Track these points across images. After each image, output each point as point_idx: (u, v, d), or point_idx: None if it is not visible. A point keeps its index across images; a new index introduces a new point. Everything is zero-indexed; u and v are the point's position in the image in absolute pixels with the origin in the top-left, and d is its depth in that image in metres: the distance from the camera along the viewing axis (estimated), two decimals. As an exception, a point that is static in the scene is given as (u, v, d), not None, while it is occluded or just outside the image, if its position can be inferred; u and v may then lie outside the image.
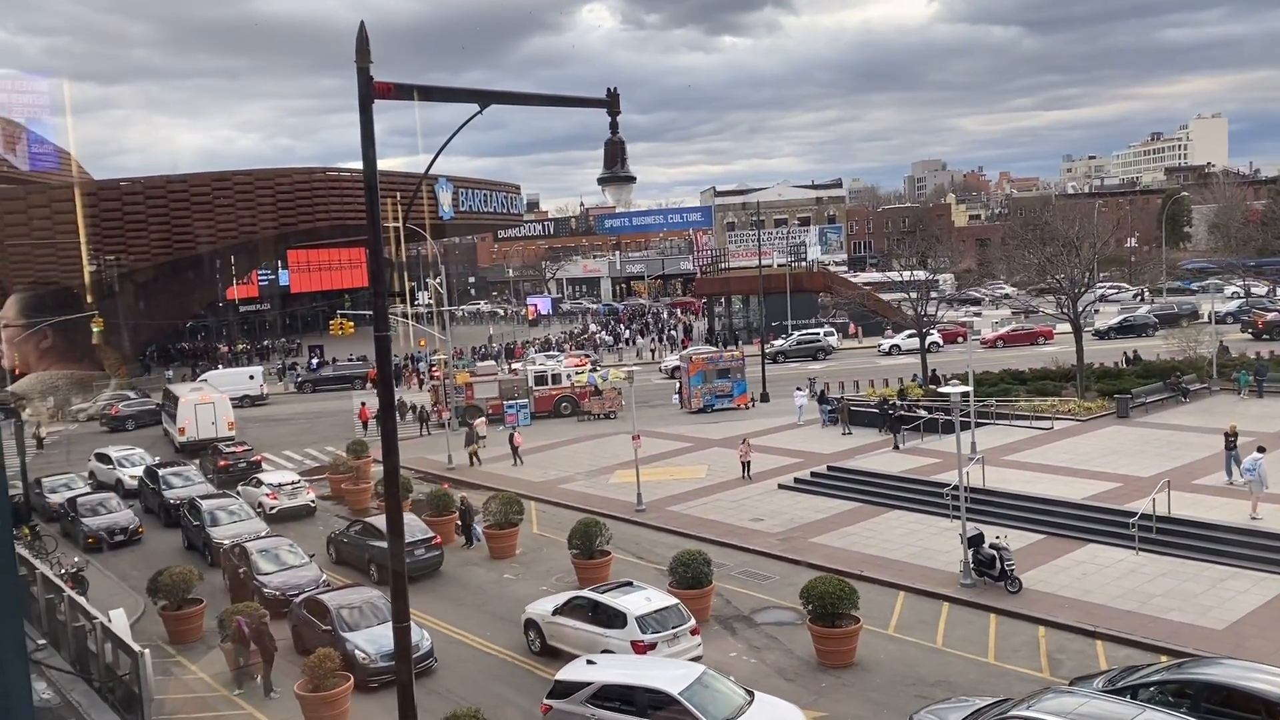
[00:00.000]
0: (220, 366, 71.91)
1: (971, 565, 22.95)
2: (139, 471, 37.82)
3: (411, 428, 47.46)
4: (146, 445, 44.69)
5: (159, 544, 31.74)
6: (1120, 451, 32.30)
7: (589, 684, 16.47)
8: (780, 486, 32.80)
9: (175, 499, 33.45)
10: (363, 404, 50.65)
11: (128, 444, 43.27)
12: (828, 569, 23.62)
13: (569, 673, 17.08)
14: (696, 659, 18.87)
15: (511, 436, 40.67)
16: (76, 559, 28.08)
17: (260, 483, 34.69)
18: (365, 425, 48.61)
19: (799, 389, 44.55)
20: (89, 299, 61.40)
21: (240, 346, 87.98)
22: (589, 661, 17.36)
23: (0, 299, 62.25)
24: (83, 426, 56.26)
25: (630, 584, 20.89)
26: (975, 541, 23.14)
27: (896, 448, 35.52)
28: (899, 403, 39.70)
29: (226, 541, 27.71)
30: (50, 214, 62.39)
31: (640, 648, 18.68)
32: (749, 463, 34.16)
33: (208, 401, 46.42)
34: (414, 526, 26.65)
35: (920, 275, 51.04)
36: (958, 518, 24.13)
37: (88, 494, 34.49)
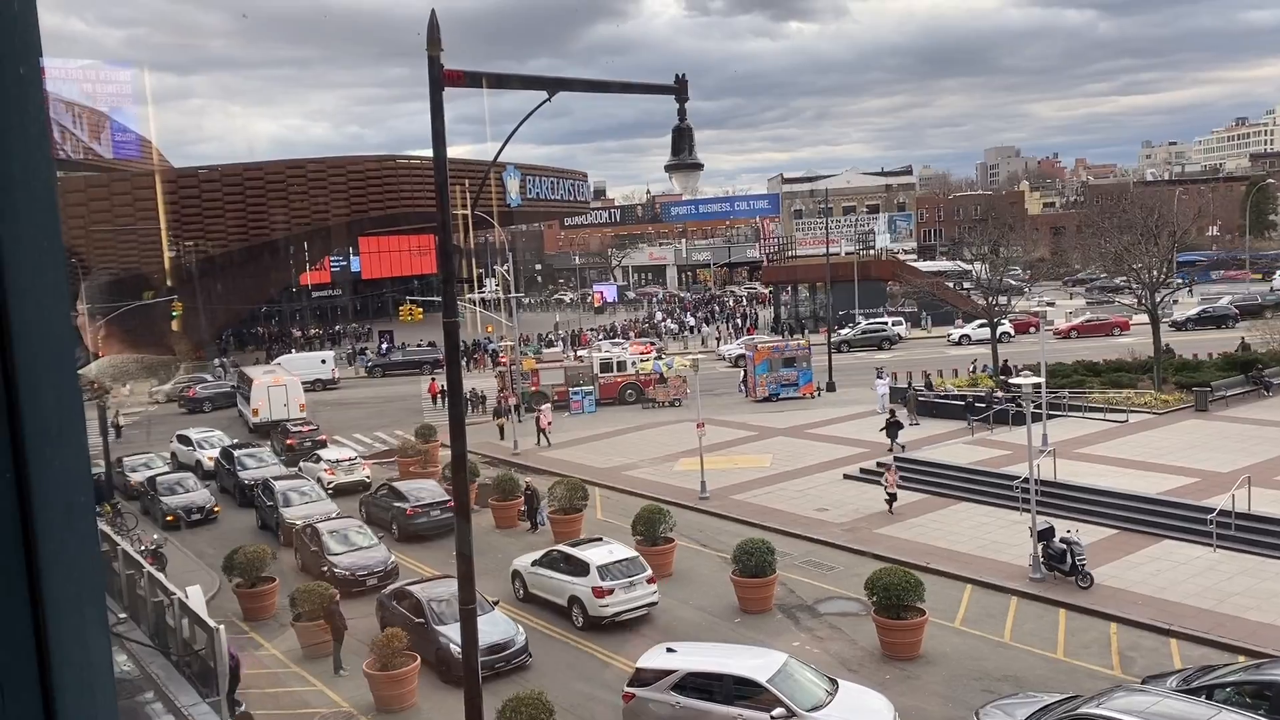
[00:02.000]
0: (293, 351, 73.47)
1: (1041, 559, 22.55)
2: (217, 454, 38.89)
3: (483, 419, 47.42)
4: (222, 426, 45.87)
5: (234, 523, 32.59)
6: (1198, 445, 31.42)
7: (672, 671, 16.49)
8: (845, 477, 32.55)
9: (250, 479, 34.31)
10: (432, 379, 51.85)
11: (206, 426, 44.49)
12: (893, 560, 23.40)
13: (650, 660, 17.11)
14: (651, 604, 21.97)
15: (538, 418, 41.22)
16: (155, 536, 28.96)
17: (320, 459, 36.49)
18: (435, 399, 50.11)
19: (880, 377, 43.59)
20: (168, 283, 63.13)
21: (313, 331, 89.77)
22: (669, 649, 17.40)
23: (84, 283, 64.33)
24: (162, 408, 57.94)
25: (600, 539, 23.71)
26: (1045, 535, 22.72)
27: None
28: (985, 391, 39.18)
29: (298, 522, 28.39)
30: (132, 201, 64.20)
31: (600, 592, 21.46)
32: (895, 495, 28.66)
33: (280, 384, 47.65)
34: (429, 489, 30.26)
35: (972, 267, 49.95)
36: (1028, 511, 23.71)
37: (166, 473, 35.60)
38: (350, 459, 36.48)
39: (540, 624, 22.17)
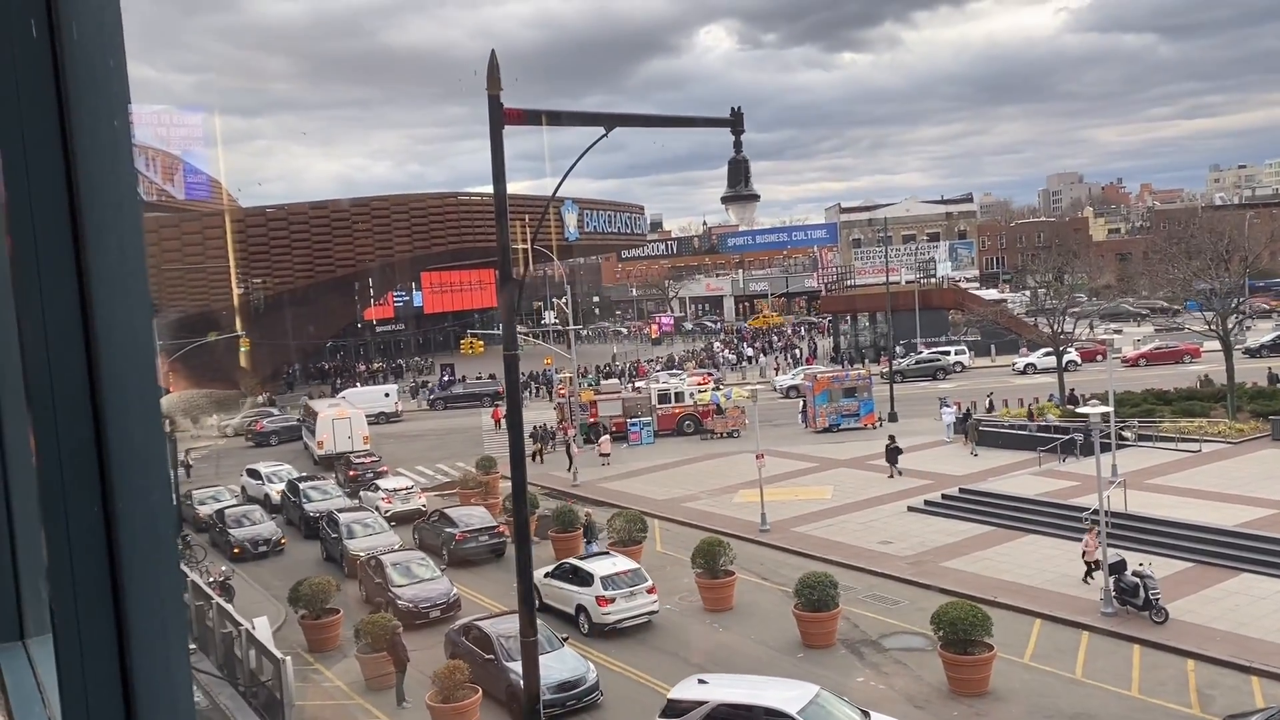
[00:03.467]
0: (358, 384, 74.62)
1: (1113, 593, 21.95)
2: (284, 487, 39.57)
3: (551, 453, 47.41)
4: (289, 459, 46.67)
5: (300, 555, 33.05)
6: (1276, 476, 30.43)
7: (703, 703, 16.43)
8: (910, 509, 32.09)
9: (315, 512, 34.82)
10: (496, 405, 52.47)
11: (275, 460, 45.30)
12: (959, 594, 22.96)
13: (681, 691, 17.04)
14: (651, 613, 23.60)
15: (569, 446, 42.45)
16: (224, 568, 29.48)
17: (378, 488, 37.45)
18: (498, 424, 50.77)
19: (946, 406, 43.26)
20: (237, 320, 64.66)
21: (376, 365, 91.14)
22: (700, 680, 17.32)
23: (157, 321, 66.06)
24: (229, 442, 59.14)
25: (607, 553, 25.82)
26: (1117, 568, 22.13)
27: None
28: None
29: (362, 554, 28.72)
30: (202, 240, 66.03)
31: (603, 601, 23.10)
32: (1096, 563, 23.44)
33: (344, 417, 48.39)
34: (479, 515, 31.43)
35: (1028, 294, 49.27)
36: (1099, 544, 23.12)
37: (234, 506, 36.29)
38: (407, 488, 37.35)
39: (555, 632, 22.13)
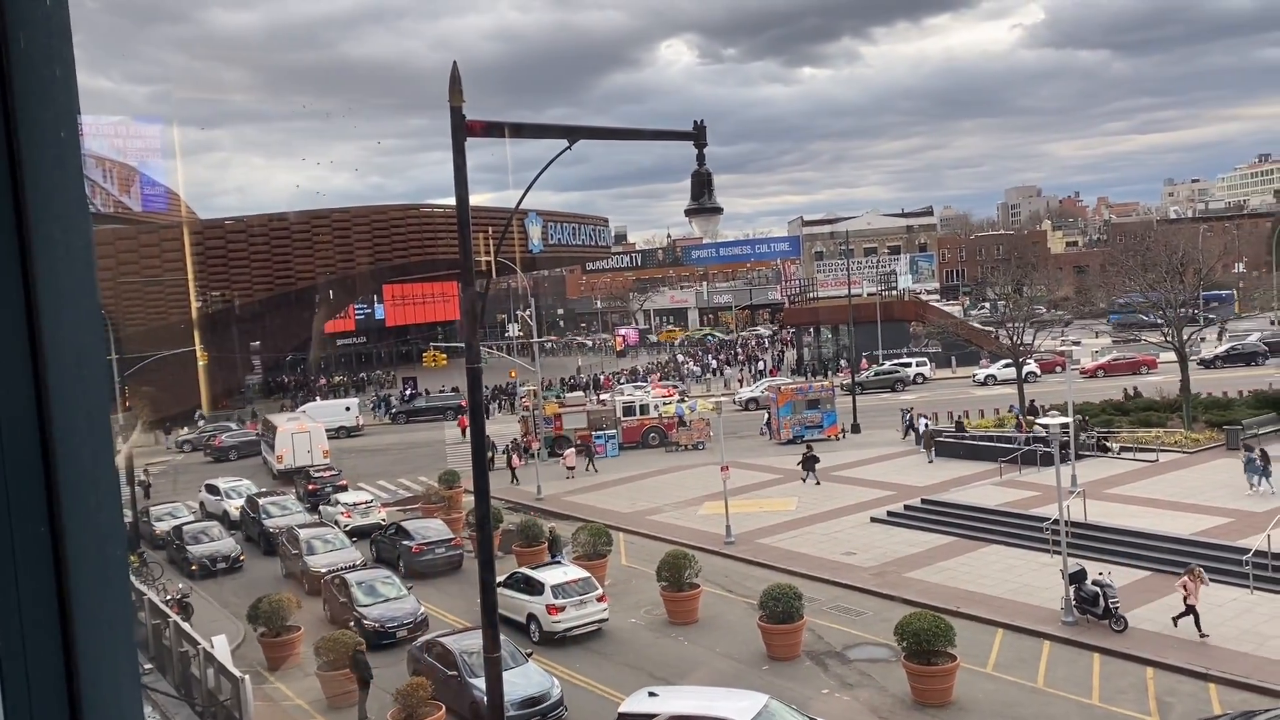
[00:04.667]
0: (318, 399, 73.89)
1: (1073, 602, 22.19)
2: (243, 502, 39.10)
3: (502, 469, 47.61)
4: (248, 474, 46.10)
5: (259, 572, 32.64)
6: (1231, 485, 30.95)
7: (654, 716, 16.39)
8: (873, 520, 32.27)
9: (274, 527, 34.40)
10: (462, 415, 52.31)
11: (234, 475, 44.74)
12: (923, 605, 23.08)
13: (632, 705, 16.98)
14: (601, 621, 24.06)
15: (510, 458, 43.20)
16: (181, 585, 29.03)
17: (337, 502, 37.37)
18: (464, 432, 50.65)
19: (923, 417, 44.24)
20: (195, 334, 63.86)
21: (337, 379, 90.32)
22: (650, 694, 17.26)
23: (115, 335, 65.13)
24: (188, 457, 58.30)
25: (559, 562, 26.13)
26: (1077, 578, 22.38)
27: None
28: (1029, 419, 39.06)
29: (322, 569, 28.41)
30: (160, 253, 65.20)
31: (554, 610, 23.56)
32: (1194, 608, 20.95)
33: (304, 431, 47.95)
34: (435, 528, 31.62)
35: (988, 306, 49.91)
36: (1058, 553, 23.39)
37: (192, 522, 35.78)
38: (366, 502, 37.29)
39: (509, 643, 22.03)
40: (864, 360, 69.30)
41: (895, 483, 36.87)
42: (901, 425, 46.45)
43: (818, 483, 37.84)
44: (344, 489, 40.56)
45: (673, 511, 36.02)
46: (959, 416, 45.92)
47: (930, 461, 39.98)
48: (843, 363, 75.22)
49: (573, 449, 45.30)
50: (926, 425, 42.52)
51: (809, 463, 38.39)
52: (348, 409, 63.96)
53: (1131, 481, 32.74)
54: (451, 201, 8.69)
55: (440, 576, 30.23)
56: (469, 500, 36.07)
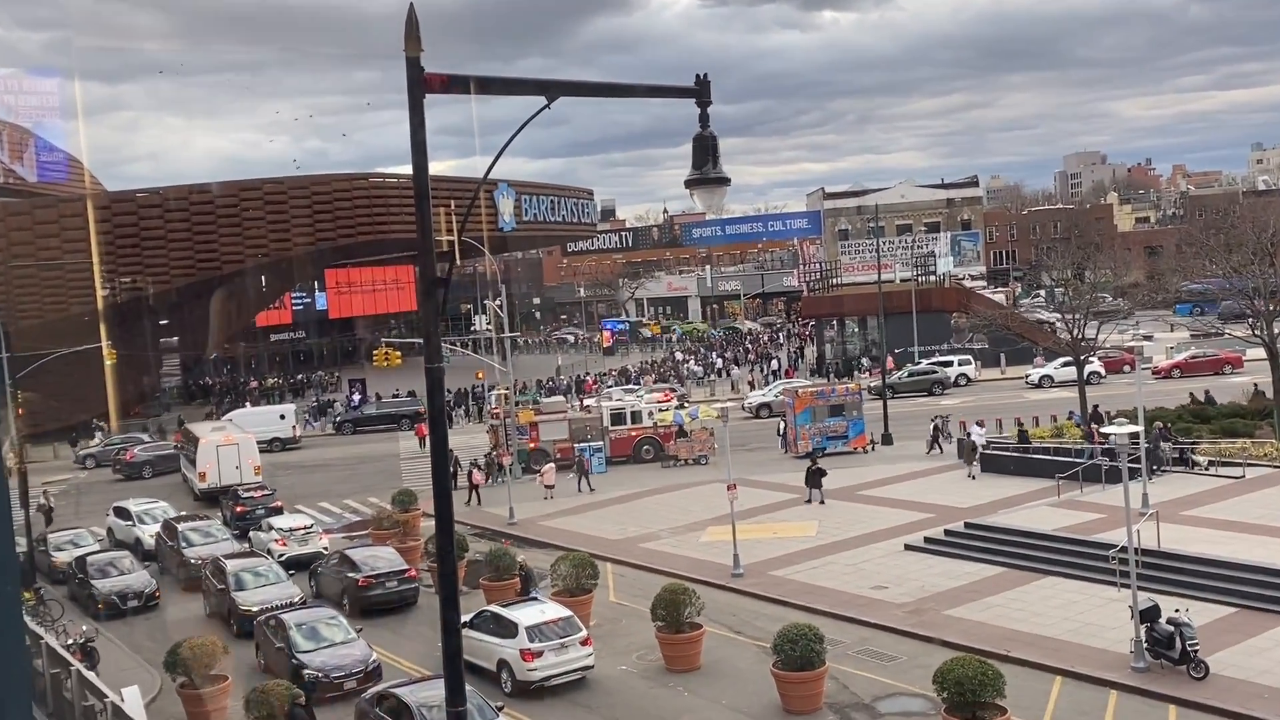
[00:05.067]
0: (248, 404, 73.82)
1: (1145, 644, 22.26)
2: (159, 528, 38.98)
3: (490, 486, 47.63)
4: (166, 494, 46.02)
5: (179, 611, 32.55)
6: (1331, 505, 31.09)
7: None
8: (907, 547, 32.34)
9: (196, 558, 34.33)
10: (420, 423, 52.28)
11: (148, 496, 44.63)
12: (966, 648, 23.14)
13: None
14: (586, 669, 24.00)
15: (471, 478, 43.81)
16: (85, 628, 28.91)
17: (270, 528, 37.17)
18: (423, 442, 50.66)
19: (978, 423, 44.34)
20: (101, 328, 63.66)
21: (271, 381, 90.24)
22: None
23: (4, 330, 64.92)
24: (93, 474, 58.17)
25: (535, 599, 26.23)
26: (1149, 615, 22.45)
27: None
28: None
29: (254, 608, 28.35)
30: (59, 231, 64.99)
31: (529, 655, 23.45)
32: None
33: (231, 443, 47.91)
34: (386, 557, 31.76)
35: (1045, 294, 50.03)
36: (1127, 586, 23.46)
37: (98, 552, 35.66)
38: (305, 527, 37.19)
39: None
40: (888, 359, 69.35)
41: (933, 503, 36.92)
42: (929, 437, 46.75)
43: (822, 501, 38.35)
44: (279, 512, 40.49)
45: (670, 538, 35.99)
46: (1021, 424, 45.96)
47: (972, 477, 40.23)
48: (864, 361, 75.46)
49: (551, 464, 45.34)
50: (975, 435, 42.56)
51: (814, 478, 38.78)
52: (282, 417, 63.95)
53: (1213, 501, 32.83)
54: (407, 170, 8.71)
55: (392, 614, 30.18)
56: (429, 525, 36.04)
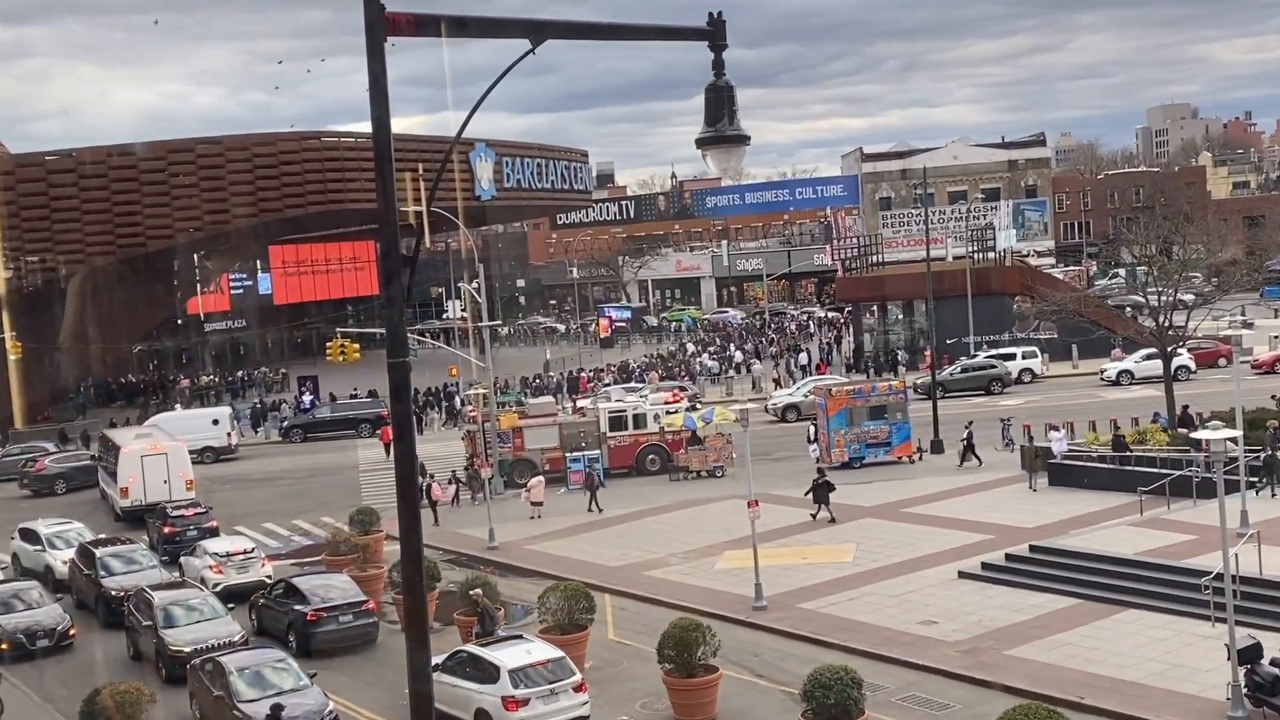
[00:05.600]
0: (178, 407, 73.81)
1: (1244, 690, 22.26)
2: (74, 554, 38.93)
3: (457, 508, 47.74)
4: (82, 513, 46.02)
5: (97, 651, 32.53)
6: None
7: None
8: (962, 575, 32.32)
9: (118, 589, 34.31)
10: (385, 426, 52.34)
11: (61, 516, 44.54)
12: (1032, 694, 23.15)
13: None
14: (581, 718, 24.04)
15: (429, 493, 43.78)
16: (-14, 672, 28.94)
17: (203, 552, 37.12)
18: (389, 450, 50.67)
19: (1055, 428, 43.99)
20: (3, 315, 63.69)
21: (206, 379, 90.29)
22: None
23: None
24: (-3, 490, 58.17)
25: (520, 638, 26.09)
26: (1250, 655, 22.43)
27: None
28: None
29: (186, 649, 28.36)
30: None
31: (512, 704, 23.32)
32: None
33: (158, 452, 47.83)
34: (340, 587, 31.82)
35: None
36: (1223, 620, 23.43)
37: (1, 583, 35.62)
38: (245, 552, 37.20)
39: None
40: (925, 352, 69.32)
41: (992, 522, 36.93)
42: (961, 446, 46.75)
43: (832, 519, 38.76)
44: (214, 533, 40.52)
45: (680, 564, 36.03)
46: (1119, 429, 45.66)
47: (1033, 489, 40.27)
48: (900, 355, 75.40)
49: (539, 478, 45.30)
50: (1056, 442, 42.32)
51: (821, 491, 39.06)
52: (215, 422, 63.81)
53: (1325, 520, 32.77)
54: (366, 128, 8.67)
55: (349, 655, 30.16)
56: (394, 550, 36.01)
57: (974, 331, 72.45)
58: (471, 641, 29.10)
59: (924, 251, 68.66)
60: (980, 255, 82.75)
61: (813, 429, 50.82)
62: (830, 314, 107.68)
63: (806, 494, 39.80)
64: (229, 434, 63.44)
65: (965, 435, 46.72)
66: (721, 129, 9.62)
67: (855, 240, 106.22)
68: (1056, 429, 44.12)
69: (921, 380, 62.23)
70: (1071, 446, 43.57)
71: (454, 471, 48.03)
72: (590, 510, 43.72)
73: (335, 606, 30.71)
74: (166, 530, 41.21)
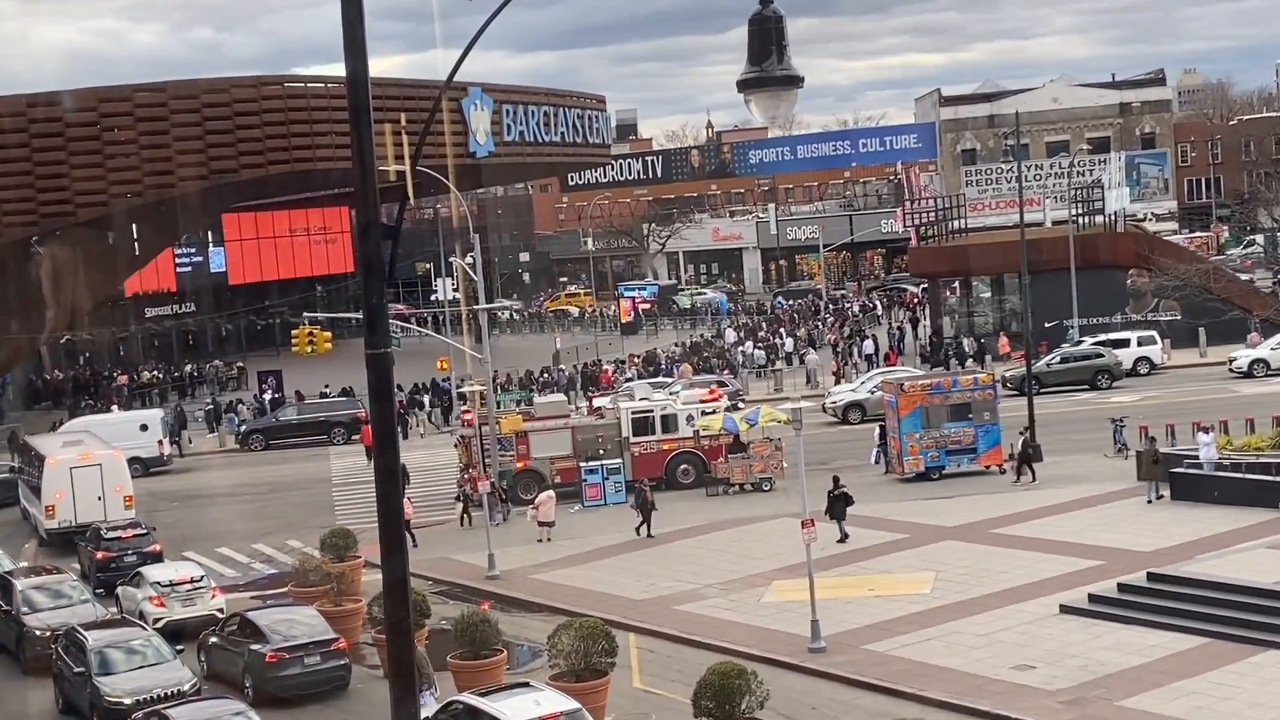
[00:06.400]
0: (116, 407, 74.06)
1: None
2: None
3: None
4: (1, 537, 46.27)
5: (18, 703, 32.74)
6: None
7: None
8: (1064, 609, 32.23)
9: (42, 627, 34.47)
10: (366, 426, 52.50)
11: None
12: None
13: None
14: None
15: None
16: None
17: (143, 580, 36.99)
18: (370, 455, 50.82)
19: (1205, 430, 43.49)
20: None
21: (148, 375, 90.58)
22: None
23: None
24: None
25: (528, 685, 25.95)
26: None
27: None
28: None
29: (127, 700, 28.47)
30: None
31: None
32: None
33: (90, 463, 47.77)
34: (305, 622, 31.96)
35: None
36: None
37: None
38: (192, 580, 37.06)
39: None
40: (1043, 340, 69.13)
41: (1102, 545, 36.87)
42: (1015, 459, 46.68)
43: (844, 537, 39.37)
44: (156, 558, 40.75)
45: (720, 597, 36.04)
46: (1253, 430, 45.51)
47: (1149, 501, 40.27)
48: (965, 342, 75.11)
49: (549, 493, 45.27)
50: (1204, 448, 41.96)
51: (836, 505, 39.33)
52: (144, 427, 63.20)
53: None
54: (339, 71, 8.71)
55: (317, 704, 30.18)
56: (375, 580, 36.12)
57: (1078, 313, 72.09)
58: (499, 674, 29.49)
59: (1016, 216, 68.46)
60: (1086, 220, 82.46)
61: (880, 432, 50.70)
62: (890, 291, 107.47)
63: (826, 513, 39.46)
64: (159, 442, 63.18)
65: (1020, 442, 46.56)
66: (768, 69, 9.66)
67: (932, 203, 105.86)
68: (1206, 431, 43.15)
69: (1011, 372, 62.09)
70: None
71: (463, 489, 47.70)
72: (640, 534, 43.17)
73: (300, 646, 30.63)
74: (100, 556, 41.34)
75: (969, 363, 70.31)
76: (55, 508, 47.14)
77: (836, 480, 40.82)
